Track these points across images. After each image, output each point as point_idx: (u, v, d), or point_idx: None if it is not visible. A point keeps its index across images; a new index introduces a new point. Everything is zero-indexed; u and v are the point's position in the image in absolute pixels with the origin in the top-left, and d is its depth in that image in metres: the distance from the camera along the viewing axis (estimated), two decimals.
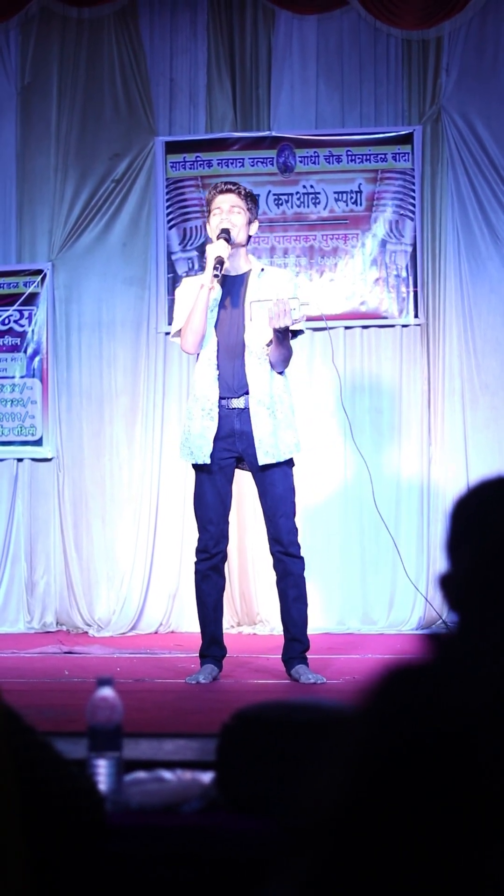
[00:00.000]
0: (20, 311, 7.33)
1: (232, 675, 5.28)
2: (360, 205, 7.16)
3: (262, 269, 5.27)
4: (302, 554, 5.18)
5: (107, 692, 2.21)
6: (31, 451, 7.31)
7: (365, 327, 7.16)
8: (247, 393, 5.10)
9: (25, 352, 7.32)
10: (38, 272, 7.34)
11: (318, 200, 7.20)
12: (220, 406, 5.11)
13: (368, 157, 7.16)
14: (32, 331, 7.33)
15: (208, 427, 5.11)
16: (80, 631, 7.09)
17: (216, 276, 5.02)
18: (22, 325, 7.34)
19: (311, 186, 7.22)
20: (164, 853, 2.01)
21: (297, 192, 7.22)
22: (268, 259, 7.04)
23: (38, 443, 7.29)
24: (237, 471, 5.26)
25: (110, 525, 7.24)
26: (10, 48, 7.50)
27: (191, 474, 5.31)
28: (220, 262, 5.01)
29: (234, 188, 5.22)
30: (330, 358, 6.50)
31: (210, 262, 5.02)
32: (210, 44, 7.38)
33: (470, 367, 7.06)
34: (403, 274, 7.11)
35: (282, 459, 5.10)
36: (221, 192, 5.21)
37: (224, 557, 5.24)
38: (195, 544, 5.26)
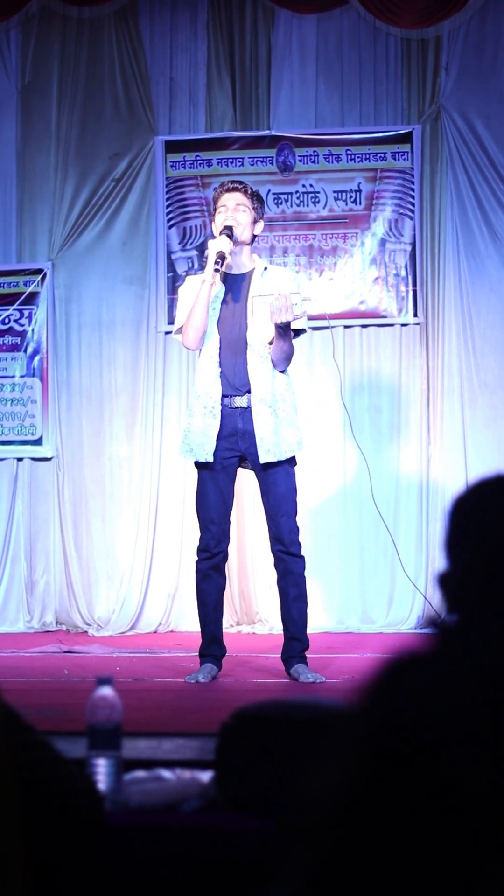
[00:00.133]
0: (20, 311, 7.33)
1: (231, 675, 5.28)
2: (360, 204, 7.16)
3: (266, 268, 5.28)
4: (303, 553, 5.19)
5: (106, 691, 2.21)
6: (31, 450, 7.31)
7: (364, 326, 7.16)
8: (249, 391, 5.10)
9: (25, 351, 7.32)
10: (38, 271, 7.34)
11: (317, 199, 7.20)
12: (222, 405, 5.12)
13: (368, 156, 7.16)
14: (32, 330, 7.33)
15: (210, 425, 5.11)
16: (79, 630, 7.09)
17: (217, 270, 5.03)
18: (22, 325, 7.34)
19: (311, 185, 7.22)
20: (164, 852, 2.01)
21: (297, 192, 7.22)
22: (267, 258, 7.04)
23: (38, 442, 7.29)
24: (239, 469, 5.26)
25: (110, 524, 7.24)
26: (10, 47, 7.50)
27: (190, 473, 5.31)
28: (221, 257, 5.03)
29: (240, 187, 5.24)
30: (330, 355, 6.51)
31: (211, 257, 5.04)
32: (210, 43, 7.38)
33: (469, 366, 7.06)
34: (403, 273, 7.12)
35: (283, 458, 5.10)
36: (228, 190, 5.23)
37: (225, 557, 5.24)
38: (195, 543, 5.26)
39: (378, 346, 7.16)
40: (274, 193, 7.18)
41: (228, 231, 5.11)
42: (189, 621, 6.78)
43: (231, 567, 6.83)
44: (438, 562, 6.57)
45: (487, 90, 7.15)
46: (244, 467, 5.25)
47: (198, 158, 7.28)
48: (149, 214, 7.32)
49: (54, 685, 5.12)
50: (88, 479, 7.27)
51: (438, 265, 7.10)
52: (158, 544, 7.17)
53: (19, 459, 7.35)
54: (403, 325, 7.13)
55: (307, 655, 5.13)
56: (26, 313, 7.33)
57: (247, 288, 5.20)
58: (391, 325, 7.14)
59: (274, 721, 2.12)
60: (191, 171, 7.28)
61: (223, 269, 5.10)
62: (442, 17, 7.12)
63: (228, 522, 5.24)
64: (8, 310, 7.32)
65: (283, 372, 5.16)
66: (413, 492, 7.06)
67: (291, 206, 7.22)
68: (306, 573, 5.20)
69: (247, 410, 5.11)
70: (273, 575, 5.31)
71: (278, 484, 5.13)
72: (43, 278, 7.32)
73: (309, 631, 5.20)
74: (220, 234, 5.11)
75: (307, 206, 7.22)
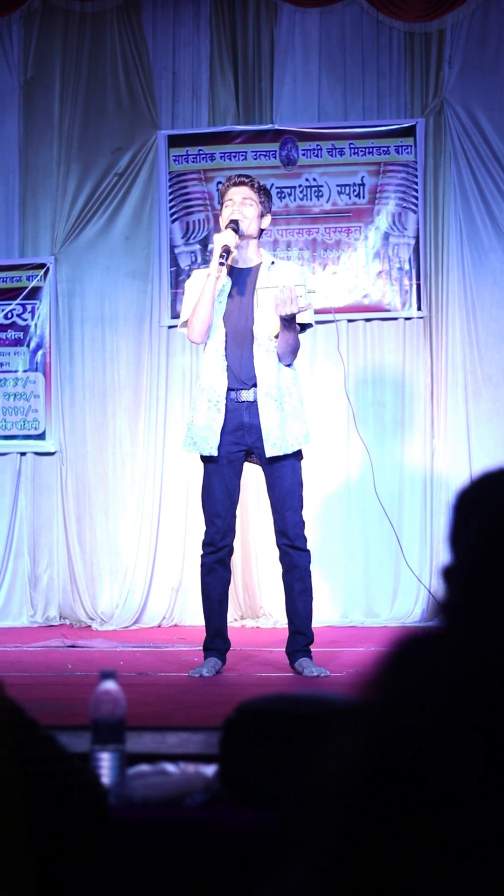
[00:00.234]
0: (23, 305, 7.33)
1: (235, 669, 5.28)
2: (363, 197, 7.16)
3: (273, 262, 5.27)
4: (308, 547, 5.18)
5: (110, 685, 2.21)
6: (35, 444, 7.31)
7: (368, 320, 7.16)
8: (255, 385, 5.10)
9: (28, 346, 7.32)
10: (41, 266, 7.33)
11: (320, 193, 7.19)
12: (227, 399, 5.11)
13: (371, 149, 7.15)
14: (35, 325, 7.33)
15: (214, 419, 5.11)
16: (83, 625, 7.10)
17: (222, 264, 5.03)
18: (25, 319, 7.34)
19: (314, 179, 7.21)
20: (168, 846, 2.01)
21: (300, 185, 7.21)
22: (271, 252, 7.03)
23: (42, 437, 7.29)
24: (246, 464, 5.26)
25: (113, 519, 7.24)
26: (12, 42, 7.50)
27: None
28: (226, 250, 5.03)
29: (247, 181, 5.24)
30: (333, 349, 6.51)
31: (217, 250, 5.04)
32: (212, 37, 7.38)
33: (473, 359, 7.06)
34: (406, 266, 7.11)
35: (289, 451, 5.10)
36: (235, 184, 5.23)
37: (230, 551, 5.24)
38: (199, 537, 5.26)
39: (382, 340, 7.16)
40: (277, 187, 7.17)
41: (234, 225, 5.11)
42: (193, 615, 6.79)
43: (235, 561, 6.81)
44: (442, 555, 6.57)
45: (491, 83, 7.14)
46: (251, 462, 5.25)
47: (201, 153, 7.27)
48: (152, 209, 7.32)
49: (58, 679, 5.11)
50: (92, 474, 7.27)
51: (442, 259, 7.09)
52: (162, 539, 7.18)
53: (22, 454, 7.35)
54: (407, 318, 7.12)
55: (312, 649, 5.13)
56: (29, 308, 7.32)
57: (253, 282, 5.19)
58: (395, 318, 7.13)
59: (278, 715, 2.12)
60: (194, 165, 7.28)
61: (228, 262, 5.10)
62: (445, 11, 7.11)
63: (234, 517, 5.24)
64: (11, 304, 7.32)
65: (289, 366, 5.16)
66: (417, 485, 7.06)
67: (295, 200, 7.21)
68: (311, 567, 5.20)
69: (253, 404, 5.10)
70: (277, 569, 5.30)
71: (284, 478, 5.13)
72: (46, 273, 7.32)
73: (313, 625, 5.20)
74: (226, 227, 5.11)
75: (310, 200, 7.21)
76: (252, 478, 5.58)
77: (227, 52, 7.36)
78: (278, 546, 5.20)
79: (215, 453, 5.11)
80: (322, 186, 7.19)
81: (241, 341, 5.14)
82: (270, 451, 5.06)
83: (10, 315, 7.33)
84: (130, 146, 7.35)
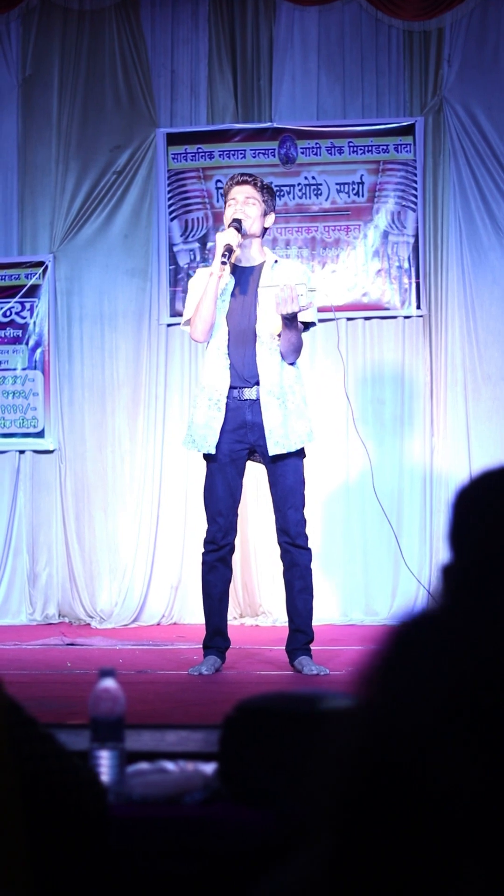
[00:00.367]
0: (22, 303, 7.32)
1: (235, 667, 5.28)
2: (362, 196, 7.15)
3: (276, 261, 5.28)
4: (309, 545, 5.19)
5: (109, 683, 2.21)
6: (33, 442, 7.31)
7: (367, 319, 7.16)
8: (258, 383, 5.10)
9: (27, 344, 7.32)
10: (40, 264, 7.33)
11: (319, 192, 7.19)
12: (229, 397, 5.12)
13: (370, 148, 7.15)
14: (34, 323, 7.32)
15: (214, 418, 5.11)
16: (82, 623, 7.10)
17: (224, 263, 5.03)
18: (23, 317, 7.33)
19: (313, 178, 7.21)
20: (167, 845, 2.01)
21: (299, 184, 7.21)
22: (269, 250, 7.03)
23: (40, 435, 7.29)
24: (249, 462, 5.26)
25: (112, 517, 7.24)
26: (11, 40, 7.49)
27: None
28: (228, 249, 5.03)
29: (250, 180, 5.24)
30: (332, 347, 6.51)
31: (219, 249, 5.04)
32: (211, 35, 7.37)
33: (472, 357, 7.06)
34: (405, 265, 7.11)
35: (292, 449, 5.10)
36: (238, 183, 5.23)
37: (232, 549, 5.25)
38: (199, 535, 5.27)
39: (381, 339, 7.16)
40: (276, 186, 7.14)
41: (237, 224, 5.11)
42: (192, 613, 6.79)
43: (234, 559, 6.82)
44: (442, 553, 6.57)
45: (490, 82, 7.14)
46: (254, 461, 5.25)
47: (199, 150, 7.27)
48: (150, 207, 7.32)
49: (57, 678, 5.12)
50: (91, 472, 7.27)
51: (441, 257, 7.09)
52: (161, 536, 7.18)
53: (21, 452, 7.35)
54: (406, 317, 7.12)
55: (311, 648, 5.13)
56: (28, 306, 7.32)
57: (256, 280, 5.20)
58: (394, 317, 7.13)
59: (277, 713, 2.12)
60: (192, 163, 7.28)
61: (231, 261, 5.10)
62: (444, 9, 7.11)
63: (236, 515, 5.24)
64: (9, 302, 7.32)
65: (292, 364, 5.16)
66: (416, 483, 7.06)
67: (294, 198, 7.21)
68: (311, 565, 5.20)
69: (255, 402, 5.11)
70: (277, 567, 5.31)
71: (287, 476, 5.14)
72: (44, 271, 7.31)
73: (313, 623, 5.20)
74: (229, 226, 5.12)
75: (309, 198, 7.21)
76: (251, 476, 5.58)
77: (225, 49, 7.36)
78: (279, 544, 5.20)
79: (213, 451, 5.11)
80: (321, 185, 7.19)
81: (243, 340, 5.14)
82: (273, 449, 5.06)
83: (8, 313, 7.33)
84: (129, 144, 7.35)
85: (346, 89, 7.29)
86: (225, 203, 5.29)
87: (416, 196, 7.10)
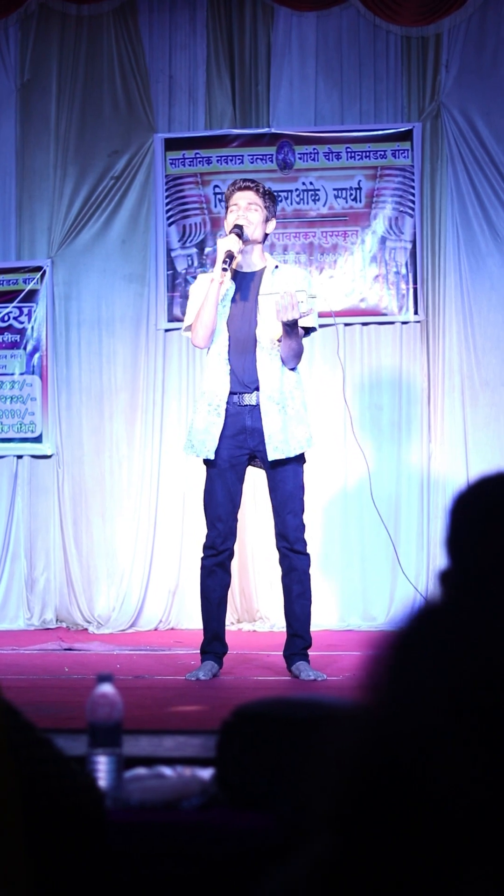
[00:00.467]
0: (20, 308, 7.33)
1: (232, 672, 5.28)
2: (360, 201, 7.16)
3: (277, 266, 5.28)
4: (308, 551, 5.19)
5: (107, 689, 2.21)
6: (31, 447, 7.31)
7: (365, 324, 7.16)
8: (258, 388, 5.10)
9: (25, 349, 7.32)
10: (38, 269, 7.33)
11: (317, 197, 7.20)
12: (229, 403, 5.11)
13: (368, 153, 7.16)
14: (32, 328, 7.33)
15: (214, 423, 5.11)
16: (79, 628, 7.09)
17: (225, 269, 5.03)
18: (21, 322, 7.34)
19: (311, 183, 7.21)
20: (164, 849, 2.01)
21: (297, 189, 7.22)
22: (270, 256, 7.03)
23: (38, 440, 7.29)
24: (249, 468, 5.25)
25: (110, 522, 7.24)
26: (9, 45, 7.50)
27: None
28: (229, 255, 5.03)
29: (252, 185, 5.24)
30: (331, 353, 6.52)
31: (220, 255, 5.04)
32: (209, 41, 7.38)
33: (470, 363, 7.06)
34: (403, 271, 7.11)
35: (292, 455, 5.09)
36: (240, 188, 5.23)
37: (231, 555, 5.24)
38: (196, 540, 5.27)
39: (379, 344, 7.16)
40: (274, 191, 7.16)
41: (238, 230, 5.11)
42: (189, 618, 6.78)
43: (232, 565, 6.83)
44: (440, 559, 6.57)
45: (488, 87, 7.15)
46: (255, 466, 5.25)
47: (197, 156, 7.27)
48: (148, 212, 7.32)
49: (54, 682, 5.11)
50: (88, 477, 7.27)
51: (439, 263, 7.10)
52: (159, 542, 7.18)
53: (19, 457, 7.35)
54: (404, 322, 7.13)
55: (309, 653, 5.13)
56: (26, 311, 7.32)
57: (257, 286, 5.20)
58: (392, 322, 7.14)
59: (275, 718, 2.12)
60: (190, 168, 7.28)
61: (232, 267, 5.11)
62: (442, 15, 7.12)
63: (235, 520, 5.24)
64: (7, 307, 7.32)
65: (292, 369, 5.16)
66: (414, 489, 7.06)
67: (291, 203, 7.22)
68: (309, 571, 5.20)
69: (255, 408, 5.10)
70: (275, 572, 5.30)
71: (286, 481, 5.13)
72: (42, 276, 7.32)
73: (311, 628, 5.20)
74: (230, 232, 5.12)
75: (307, 203, 7.21)
76: (249, 481, 5.58)
77: (223, 55, 7.36)
78: (278, 549, 5.20)
79: (212, 457, 5.11)
80: (319, 190, 7.20)
81: (244, 345, 5.14)
82: (273, 455, 5.06)
83: (6, 318, 7.33)
84: (127, 149, 7.35)
85: (343, 95, 7.30)
86: (226, 208, 5.29)
87: (413, 202, 7.10)
